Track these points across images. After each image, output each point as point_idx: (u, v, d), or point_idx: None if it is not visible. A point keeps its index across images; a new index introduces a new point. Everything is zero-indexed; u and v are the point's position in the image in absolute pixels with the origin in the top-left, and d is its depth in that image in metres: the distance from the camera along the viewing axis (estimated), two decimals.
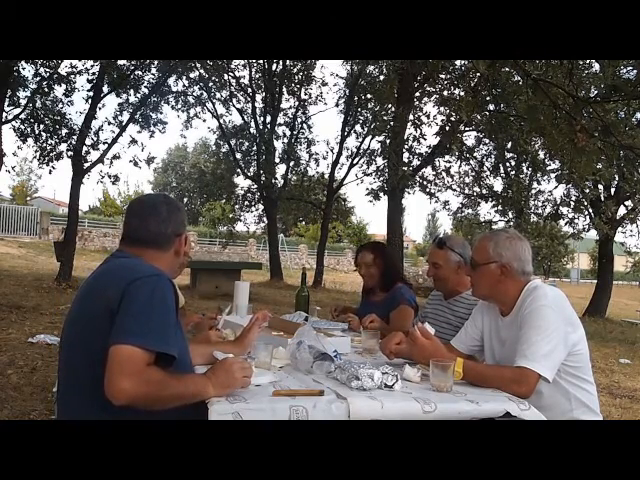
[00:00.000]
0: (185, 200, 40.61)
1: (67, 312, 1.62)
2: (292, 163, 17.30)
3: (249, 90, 16.19)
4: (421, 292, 10.52)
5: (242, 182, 28.08)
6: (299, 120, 17.17)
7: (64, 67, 10.86)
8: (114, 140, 11.52)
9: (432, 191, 14.17)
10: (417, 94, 11.94)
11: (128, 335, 1.35)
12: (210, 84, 15.24)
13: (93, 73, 11.00)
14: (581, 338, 1.87)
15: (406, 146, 12.05)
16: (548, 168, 13.25)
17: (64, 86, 10.97)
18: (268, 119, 16.42)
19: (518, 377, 1.71)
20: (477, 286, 2.05)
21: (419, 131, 12.68)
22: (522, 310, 1.87)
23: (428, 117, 12.76)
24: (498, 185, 16.95)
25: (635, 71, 7.42)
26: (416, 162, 12.70)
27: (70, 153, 11.07)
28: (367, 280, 3.10)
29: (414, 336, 1.87)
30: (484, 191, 14.98)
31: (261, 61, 15.31)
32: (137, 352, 1.34)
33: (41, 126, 11.17)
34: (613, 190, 13.43)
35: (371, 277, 3.06)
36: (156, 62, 11.72)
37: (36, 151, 11.22)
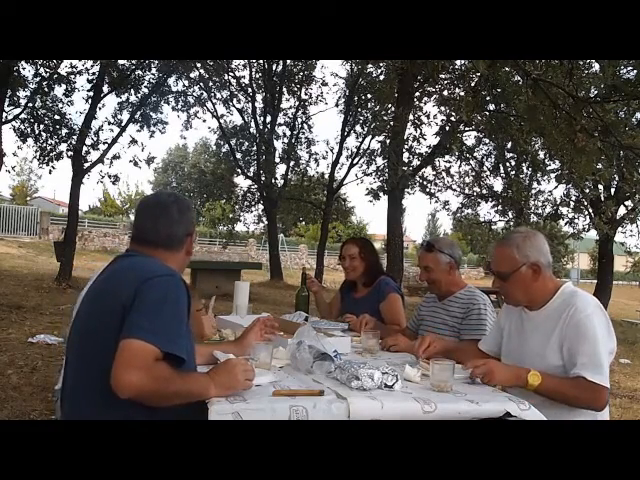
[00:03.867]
0: None
1: (69, 312, 1.61)
2: (292, 163, 17.32)
3: (249, 90, 16.19)
4: (421, 292, 10.51)
5: (242, 182, 28.03)
6: (299, 120, 17.21)
7: (64, 67, 10.89)
8: (114, 140, 11.52)
9: (432, 191, 14.17)
10: (417, 94, 11.92)
11: (140, 330, 1.35)
12: (210, 84, 15.25)
13: (93, 73, 11.02)
14: (614, 349, 1.87)
15: (406, 146, 12.01)
16: (548, 168, 13.24)
17: (64, 86, 10.99)
18: (268, 119, 16.43)
19: (595, 396, 1.74)
20: (511, 295, 1.97)
21: (419, 131, 12.65)
22: (563, 317, 1.83)
23: (428, 117, 12.73)
24: (498, 185, 16.98)
25: (635, 71, 7.42)
26: (416, 162, 12.66)
27: (70, 153, 11.07)
28: (350, 273, 3.10)
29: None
30: (484, 191, 14.95)
31: (261, 61, 15.31)
32: (147, 347, 1.34)
33: (41, 126, 11.18)
34: (613, 190, 13.40)
35: (354, 270, 3.07)
36: (156, 62, 11.72)
37: (36, 151, 11.23)
